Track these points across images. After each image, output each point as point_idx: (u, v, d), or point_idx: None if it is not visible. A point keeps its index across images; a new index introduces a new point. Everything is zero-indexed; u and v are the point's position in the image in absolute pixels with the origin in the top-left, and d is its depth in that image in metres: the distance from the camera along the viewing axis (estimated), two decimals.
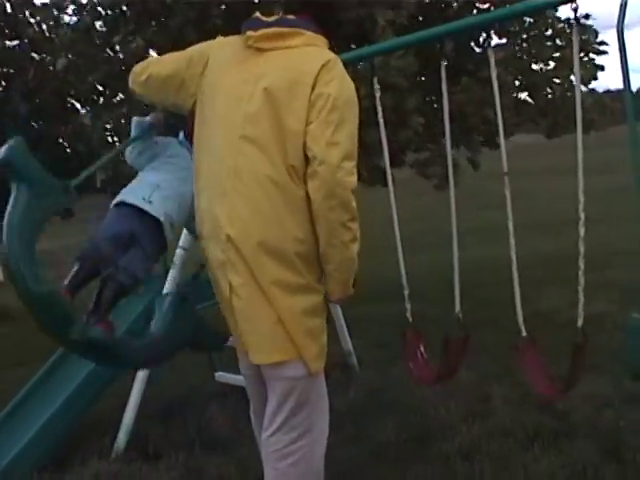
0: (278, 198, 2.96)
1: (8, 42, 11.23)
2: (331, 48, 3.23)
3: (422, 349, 4.45)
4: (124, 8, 7.72)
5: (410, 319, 4.47)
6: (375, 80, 4.35)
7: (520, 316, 3.88)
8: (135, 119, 4.30)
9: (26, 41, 10.71)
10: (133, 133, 4.26)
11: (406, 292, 4.43)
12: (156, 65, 3.51)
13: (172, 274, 5.02)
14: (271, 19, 3.17)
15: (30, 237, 3.24)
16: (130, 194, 4.07)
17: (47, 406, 4.85)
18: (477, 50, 8.12)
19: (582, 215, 3.52)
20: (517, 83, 8.54)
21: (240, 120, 3.04)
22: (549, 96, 8.63)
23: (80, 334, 3.19)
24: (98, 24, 8.12)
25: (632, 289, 3.94)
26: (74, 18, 8.58)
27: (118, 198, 4.08)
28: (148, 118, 4.26)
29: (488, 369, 5.82)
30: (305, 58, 3.06)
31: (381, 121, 4.38)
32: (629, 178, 3.45)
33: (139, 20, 7.57)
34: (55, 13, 9.43)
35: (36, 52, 10.99)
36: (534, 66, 8.61)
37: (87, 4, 8.03)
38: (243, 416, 4.95)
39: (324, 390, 3.27)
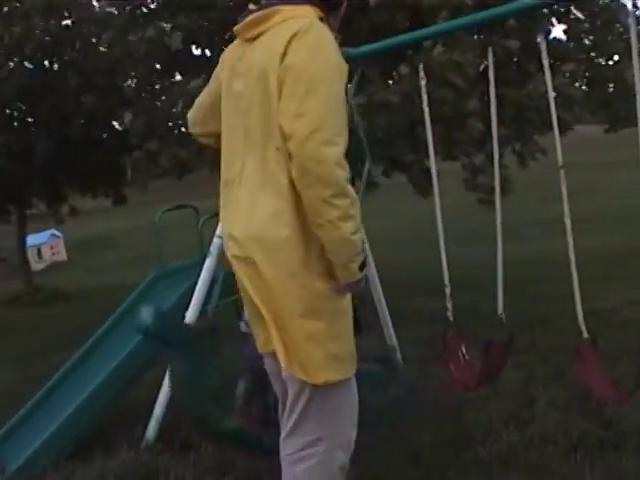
0: (270, 191, 2.80)
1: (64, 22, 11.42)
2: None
3: (464, 350, 4.27)
4: None
5: (451, 318, 4.30)
6: (421, 67, 4.18)
7: (581, 317, 3.67)
8: None
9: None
10: None
11: (447, 290, 4.26)
12: (197, 100, 3.43)
13: (208, 262, 4.92)
14: (256, 6, 2.97)
15: (201, 388, 3.76)
16: None
17: (78, 393, 4.80)
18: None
19: None
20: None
21: (240, 118, 2.93)
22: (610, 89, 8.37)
23: (273, 445, 3.36)
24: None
25: None
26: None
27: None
28: None
29: (536, 370, 5.60)
30: (278, 34, 2.82)
31: (426, 110, 4.22)
32: None
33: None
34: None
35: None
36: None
37: None
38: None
39: (348, 398, 3.02)
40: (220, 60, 3.22)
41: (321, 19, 2.90)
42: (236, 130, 2.95)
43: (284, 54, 2.74)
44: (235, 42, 3.09)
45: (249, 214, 2.86)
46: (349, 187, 2.69)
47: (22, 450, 4.56)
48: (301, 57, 2.71)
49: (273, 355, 3.00)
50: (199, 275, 4.88)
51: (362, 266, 2.83)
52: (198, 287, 4.86)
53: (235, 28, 3.00)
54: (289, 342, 2.82)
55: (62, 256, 30.08)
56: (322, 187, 2.63)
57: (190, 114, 3.46)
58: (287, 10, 2.87)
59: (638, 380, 3.46)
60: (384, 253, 5.29)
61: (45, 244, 28.75)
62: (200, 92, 3.35)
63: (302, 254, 2.78)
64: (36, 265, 26.63)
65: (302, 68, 2.70)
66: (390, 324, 6.07)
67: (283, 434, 3.05)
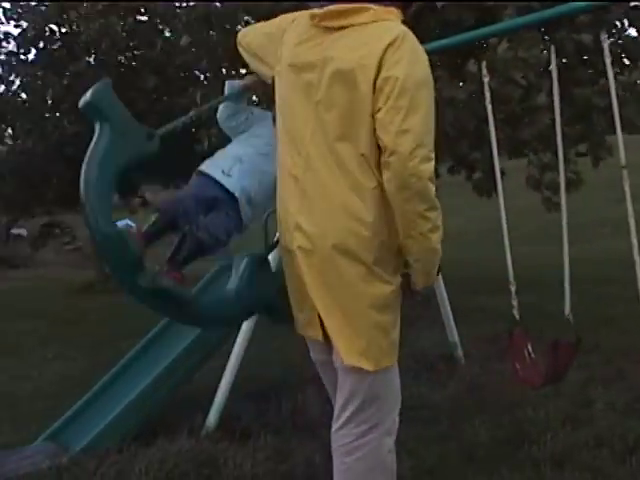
0: (345, 188, 2.84)
1: (138, 17, 11.57)
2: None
3: (530, 349, 4.27)
4: None
5: (517, 317, 4.29)
6: (483, 64, 4.19)
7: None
8: (228, 81, 4.25)
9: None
10: (226, 93, 4.21)
11: (513, 288, 4.26)
12: (251, 33, 3.50)
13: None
14: None
15: (109, 178, 3.21)
16: (212, 166, 4.08)
17: (142, 379, 4.94)
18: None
19: None
20: None
21: (312, 109, 2.91)
22: None
23: (148, 281, 3.13)
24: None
25: None
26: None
27: (201, 167, 4.09)
28: (242, 81, 4.20)
29: (598, 371, 5.57)
30: (370, 37, 2.81)
31: (489, 107, 4.21)
32: None
33: None
34: None
35: (163, 27, 11.27)
36: None
37: None
38: None
39: (396, 383, 3.13)
40: (279, 23, 3.25)
41: (403, 22, 2.92)
42: (303, 119, 2.96)
43: (381, 62, 2.74)
44: (303, 20, 3.06)
45: (321, 209, 2.90)
46: (437, 199, 2.79)
47: (86, 432, 4.70)
48: (402, 70, 2.72)
49: (321, 345, 3.10)
50: None
51: (438, 271, 2.98)
52: None
53: (313, 12, 2.97)
54: (353, 333, 2.90)
55: None
56: (420, 202, 2.73)
57: (241, 36, 3.57)
58: (376, 10, 2.86)
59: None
60: (452, 251, 5.31)
61: None
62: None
63: (379, 254, 2.86)
64: None
65: (404, 81, 2.71)
66: (452, 321, 6.11)
67: (335, 426, 3.10)
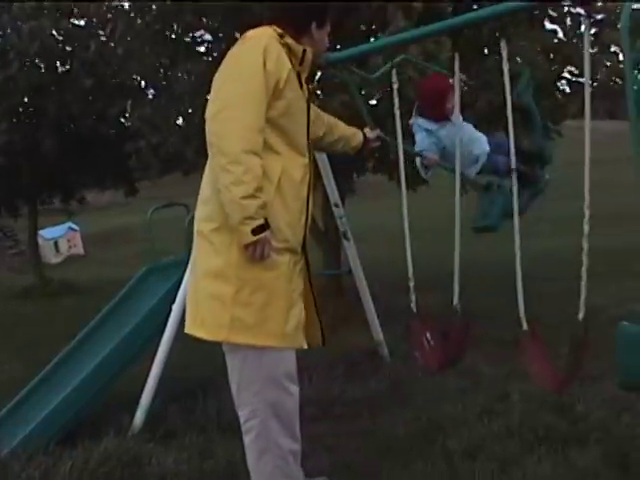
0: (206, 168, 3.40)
1: (74, 21, 11.55)
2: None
3: (428, 337, 4.43)
4: None
5: (415, 310, 4.44)
6: (394, 72, 4.34)
7: (522, 309, 3.80)
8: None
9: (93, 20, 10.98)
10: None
11: (411, 284, 4.42)
12: None
13: None
14: None
15: None
16: None
17: (69, 382, 4.99)
18: None
19: None
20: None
21: None
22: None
23: None
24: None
25: None
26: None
27: None
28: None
29: (518, 365, 5.70)
30: None
31: (397, 113, 4.34)
32: None
33: None
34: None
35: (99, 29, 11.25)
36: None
37: None
38: None
39: (279, 366, 3.33)
40: None
41: (280, 35, 3.37)
42: None
43: None
44: None
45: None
46: (248, 158, 3.12)
47: (14, 435, 4.76)
48: (226, 60, 3.37)
49: None
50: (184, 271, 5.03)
51: (257, 231, 3.14)
52: (184, 281, 5.01)
53: None
54: (195, 301, 3.32)
55: (79, 249, 30.30)
56: (220, 156, 3.14)
57: None
58: (249, 34, 3.40)
59: (570, 371, 3.59)
60: (393, 249, 5.58)
61: (62, 237, 28.97)
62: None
63: (218, 225, 3.27)
64: (54, 258, 26.93)
65: (224, 68, 3.35)
66: (376, 319, 6.23)
67: None
